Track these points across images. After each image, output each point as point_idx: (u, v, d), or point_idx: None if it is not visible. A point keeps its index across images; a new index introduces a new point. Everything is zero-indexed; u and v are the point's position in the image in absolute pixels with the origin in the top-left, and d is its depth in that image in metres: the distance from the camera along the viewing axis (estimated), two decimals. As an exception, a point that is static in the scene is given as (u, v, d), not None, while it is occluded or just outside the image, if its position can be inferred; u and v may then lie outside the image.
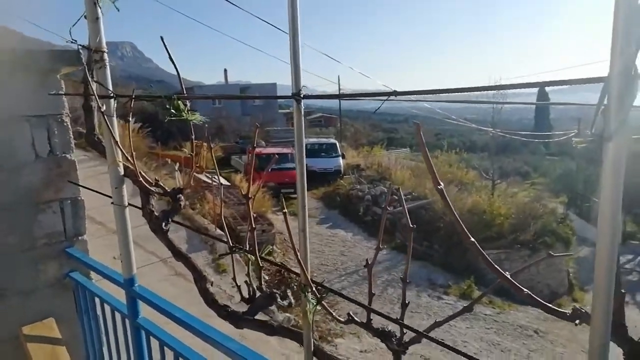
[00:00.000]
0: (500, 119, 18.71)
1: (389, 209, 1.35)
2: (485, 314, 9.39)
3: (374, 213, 14.86)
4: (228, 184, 14.39)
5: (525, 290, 0.81)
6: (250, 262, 1.46)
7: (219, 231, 9.06)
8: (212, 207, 10.11)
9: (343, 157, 22.34)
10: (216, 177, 9.39)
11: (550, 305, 0.79)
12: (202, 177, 13.16)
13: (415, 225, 1.17)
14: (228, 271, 7.50)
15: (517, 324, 9.16)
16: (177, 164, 13.04)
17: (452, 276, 11.09)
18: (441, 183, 0.96)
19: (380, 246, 1.31)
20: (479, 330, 8.80)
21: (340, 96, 1.78)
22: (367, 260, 1.26)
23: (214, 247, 8.43)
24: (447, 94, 1.26)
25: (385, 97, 1.36)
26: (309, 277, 1.18)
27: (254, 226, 1.43)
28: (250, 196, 1.45)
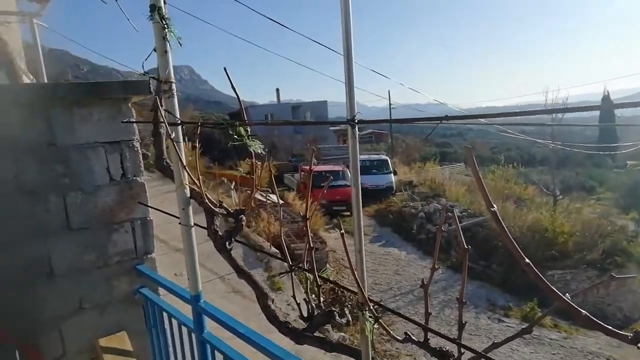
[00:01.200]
0: (561, 130, 17.85)
1: (443, 228, 1.37)
2: (551, 339, 8.85)
3: (428, 231, 14.55)
4: (282, 202, 14.66)
5: (583, 312, 0.81)
6: (308, 281, 1.52)
7: (274, 249, 9.25)
8: (266, 225, 10.33)
9: (395, 173, 22.13)
10: (270, 195, 9.57)
11: (609, 327, 0.78)
12: (257, 195, 13.50)
13: (469, 246, 1.18)
14: (283, 289, 7.61)
15: (587, 350, 8.55)
16: (233, 183, 13.49)
17: (513, 297, 10.57)
18: (494, 205, 0.96)
19: (436, 266, 1.32)
20: (543, 355, 8.29)
21: (392, 121, 1.82)
22: (422, 280, 1.28)
23: (269, 264, 8.60)
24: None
25: (437, 122, 1.39)
26: (367, 296, 1.22)
27: (312, 245, 1.49)
28: (307, 216, 1.51)
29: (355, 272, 1.27)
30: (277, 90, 52.34)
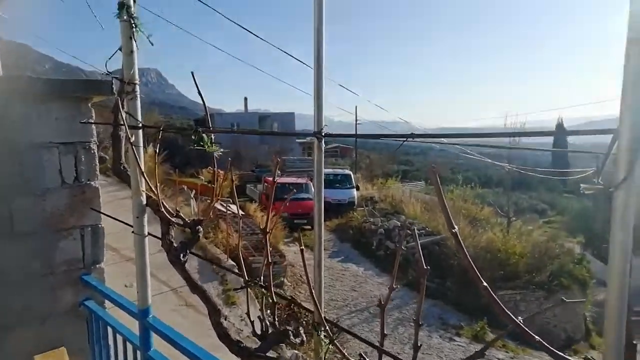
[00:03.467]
0: (517, 154, 18.60)
1: (402, 246, 1.37)
2: (498, 358, 9.09)
3: (386, 247, 14.71)
4: (242, 213, 14.46)
5: (536, 337, 0.82)
6: (264, 297, 1.49)
7: (231, 261, 9.07)
8: (225, 237, 10.13)
9: (357, 188, 22.32)
10: (231, 205, 9.38)
11: (559, 353, 0.80)
12: (217, 205, 13.26)
13: (429, 267, 1.18)
14: (237, 303, 7.46)
15: (533, 369, 8.84)
16: (193, 192, 13.19)
17: (465, 316, 10.81)
18: (455, 227, 0.97)
19: (394, 285, 1.32)
20: (492, 374, 8.51)
21: (358, 135, 1.83)
22: (379, 299, 1.27)
23: (225, 277, 8.42)
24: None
25: (403, 139, 1.41)
26: (323, 315, 1.20)
27: (270, 261, 1.46)
28: (267, 230, 1.48)
29: (313, 290, 1.25)
30: (245, 99, 52.07)
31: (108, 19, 1.95)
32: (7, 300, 2.35)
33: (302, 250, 1.35)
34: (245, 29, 7.76)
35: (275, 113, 48.31)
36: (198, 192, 12.65)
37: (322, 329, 1.17)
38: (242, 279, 1.51)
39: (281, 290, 9.33)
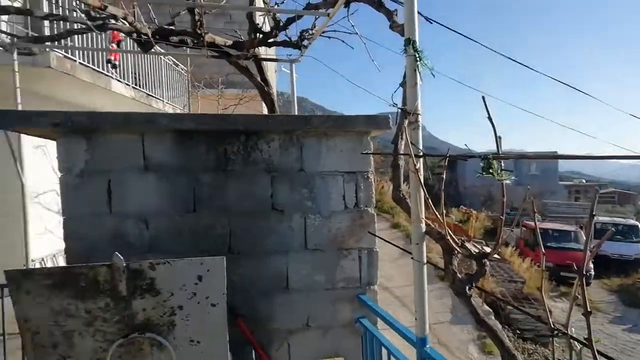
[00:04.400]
0: None
1: None
2: None
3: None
4: (498, 256, 13.42)
5: None
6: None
7: (486, 307, 8.41)
8: (482, 281, 9.53)
9: (646, 243, 17.95)
10: (485, 247, 8.79)
11: None
12: (470, 246, 12.70)
13: None
14: (495, 353, 6.78)
15: None
16: (448, 230, 13.01)
17: None
18: None
19: None
20: None
21: None
22: None
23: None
24: None
25: None
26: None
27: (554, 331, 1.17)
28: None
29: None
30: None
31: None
32: (297, 307, 2.69)
33: (587, 314, 1.04)
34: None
35: (533, 152, 44.08)
36: (452, 230, 12.41)
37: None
38: (547, 327, 1.26)
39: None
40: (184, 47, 4.47)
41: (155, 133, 2.55)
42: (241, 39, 4.96)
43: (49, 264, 6.62)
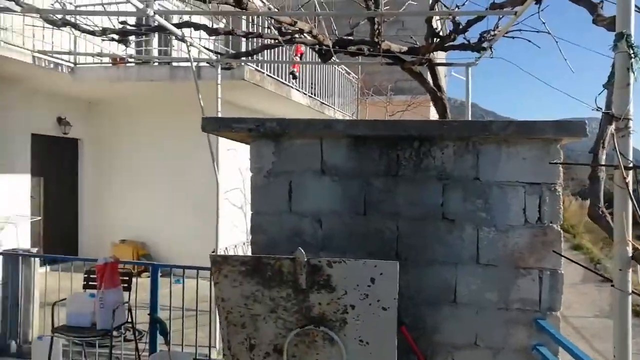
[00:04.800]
0: None
1: None
2: None
3: None
4: None
5: None
6: None
7: None
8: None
9: None
10: None
11: None
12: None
13: None
14: None
15: None
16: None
17: None
18: None
19: None
20: None
21: None
22: None
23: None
24: None
25: None
26: None
27: None
28: None
29: None
30: None
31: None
32: (464, 323, 2.54)
33: None
34: None
35: None
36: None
37: None
38: None
39: None
40: (359, 57, 4.66)
41: (332, 138, 2.70)
42: (416, 44, 4.95)
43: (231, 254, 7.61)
